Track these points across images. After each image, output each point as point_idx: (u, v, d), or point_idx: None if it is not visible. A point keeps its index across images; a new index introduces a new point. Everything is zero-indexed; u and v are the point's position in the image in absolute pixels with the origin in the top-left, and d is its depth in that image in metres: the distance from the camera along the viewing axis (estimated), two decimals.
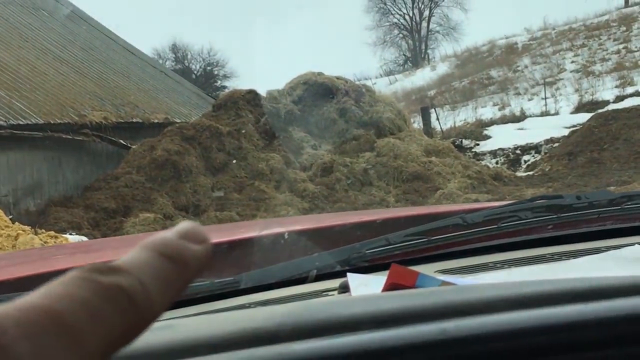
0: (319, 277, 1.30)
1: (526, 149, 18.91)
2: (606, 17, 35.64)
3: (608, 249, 1.28)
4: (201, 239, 0.35)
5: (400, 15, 54.37)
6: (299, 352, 0.55)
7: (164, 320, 1.10)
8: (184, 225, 0.35)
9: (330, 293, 1.18)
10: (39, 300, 0.29)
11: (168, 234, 0.34)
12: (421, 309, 0.61)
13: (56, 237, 9.97)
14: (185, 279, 0.33)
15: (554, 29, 37.30)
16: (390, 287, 0.98)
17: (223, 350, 0.56)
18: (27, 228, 10.20)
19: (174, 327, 0.66)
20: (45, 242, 9.37)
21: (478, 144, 20.22)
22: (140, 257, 0.33)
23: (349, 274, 1.15)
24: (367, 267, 1.30)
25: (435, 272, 1.22)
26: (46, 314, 0.28)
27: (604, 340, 0.60)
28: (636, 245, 1.25)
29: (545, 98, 24.03)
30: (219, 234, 1.60)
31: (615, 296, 0.63)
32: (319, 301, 1.00)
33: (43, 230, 10.41)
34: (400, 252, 1.35)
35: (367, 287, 1.08)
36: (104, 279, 0.30)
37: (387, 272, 1.00)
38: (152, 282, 0.32)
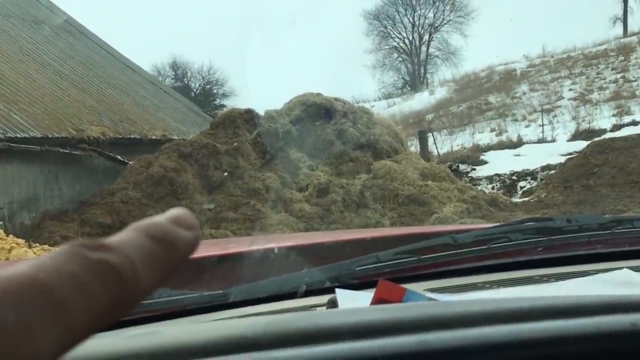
0: (308, 293, 1.30)
1: (522, 175, 18.95)
2: (605, 46, 35.92)
3: (597, 272, 1.28)
4: (190, 225, 0.36)
5: (400, 39, 54.82)
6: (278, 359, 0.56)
7: (150, 328, 1.11)
8: (175, 210, 0.36)
9: (318, 308, 1.17)
10: (27, 270, 0.29)
11: (159, 218, 0.35)
12: (402, 321, 0.61)
13: (50, 251, 9.93)
14: (173, 262, 0.34)
15: (552, 56, 37.59)
16: (377, 302, 0.98)
17: (204, 356, 0.56)
18: (21, 241, 10.16)
19: (159, 333, 0.66)
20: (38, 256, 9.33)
21: (474, 169, 20.28)
22: (130, 237, 0.33)
23: (337, 290, 1.15)
24: (357, 284, 1.30)
25: (424, 290, 1.22)
26: (33, 284, 0.29)
27: (583, 356, 0.61)
28: (624, 269, 1.26)
29: (543, 125, 24.14)
30: (210, 248, 1.60)
31: (595, 314, 0.63)
32: (303, 313, 1.00)
33: (37, 244, 10.36)
34: (389, 269, 1.35)
35: (355, 302, 1.07)
36: (92, 255, 0.31)
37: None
38: (140, 262, 0.32)
